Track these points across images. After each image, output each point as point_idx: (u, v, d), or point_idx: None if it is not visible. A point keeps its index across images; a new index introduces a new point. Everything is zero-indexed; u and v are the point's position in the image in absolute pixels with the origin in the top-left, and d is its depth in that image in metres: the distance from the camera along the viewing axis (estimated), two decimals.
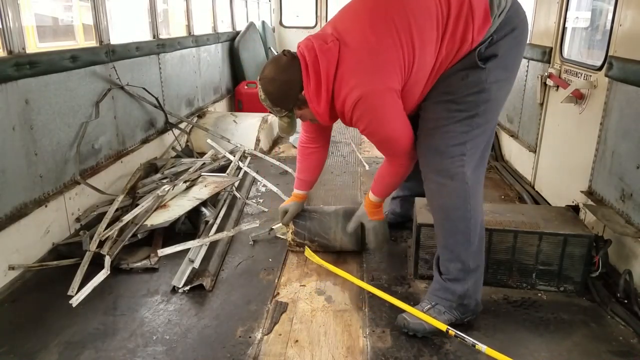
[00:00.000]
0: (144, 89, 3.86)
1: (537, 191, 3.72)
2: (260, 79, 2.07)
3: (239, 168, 4.09)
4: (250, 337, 2.08)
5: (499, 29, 1.96)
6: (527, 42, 3.31)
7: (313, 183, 2.73)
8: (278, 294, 2.42)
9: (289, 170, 4.07)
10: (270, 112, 2.38)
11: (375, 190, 2.47)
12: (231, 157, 4.17)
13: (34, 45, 4.97)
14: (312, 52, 1.96)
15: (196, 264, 2.53)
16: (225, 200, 3.39)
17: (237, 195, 3.49)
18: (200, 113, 5.24)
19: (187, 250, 2.63)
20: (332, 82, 1.97)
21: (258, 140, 4.84)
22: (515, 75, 2.10)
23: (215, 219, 3.02)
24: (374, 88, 1.92)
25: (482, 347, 1.89)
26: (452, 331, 1.96)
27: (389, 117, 2.02)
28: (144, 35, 4.28)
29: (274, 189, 3.67)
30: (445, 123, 2.02)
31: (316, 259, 2.45)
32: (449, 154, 2.02)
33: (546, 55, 3.58)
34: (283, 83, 2.04)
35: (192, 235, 2.87)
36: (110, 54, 3.42)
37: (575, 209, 2.70)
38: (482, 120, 2.01)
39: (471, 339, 1.93)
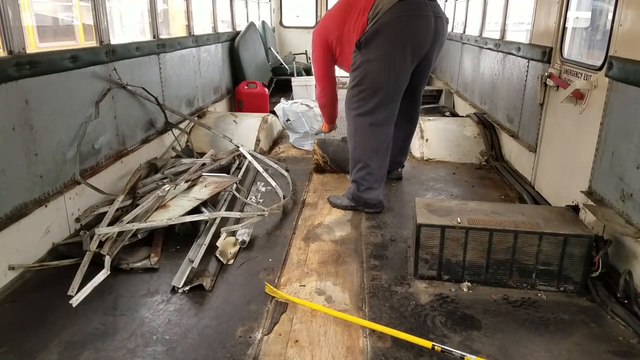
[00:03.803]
0: (143, 89, 3.86)
1: (537, 191, 3.72)
2: None
3: (240, 166, 4.10)
4: (250, 337, 2.08)
5: (370, 28, 3.18)
6: (528, 42, 3.62)
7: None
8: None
9: (285, 174, 4.09)
10: None
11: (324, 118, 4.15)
12: (247, 154, 4.28)
13: (34, 45, 4.97)
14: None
15: (195, 264, 2.53)
16: (225, 200, 3.40)
17: (237, 195, 3.49)
18: (200, 113, 5.24)
19: (188, 250, 2.63)
20: None
21: (258, 140, 4.84)
22: (387, 59, 3.19)
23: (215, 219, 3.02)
24: (315, 30, 3.63)
25: (470, 357, 1.88)
26: (438, 347, 1.95)
27: (314, 48, 3.63)
28: (142, 35, 4.28)
29: (276, 186, 3.68)
30: (348, 88, 3.44)
31: (279, 294, 2.42)
32: (349, 107, 3.42)
33: (546, 55, 3.58)
34: None
35: (192, 236, 2.88)
36: (111, 54, 3.42)
37: (575, 209, 2.70)
38: (364, 87, 3.28)
39: (459, 352, 1.92)
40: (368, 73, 3.23)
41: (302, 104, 5.19)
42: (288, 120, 5.03)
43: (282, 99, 5.43)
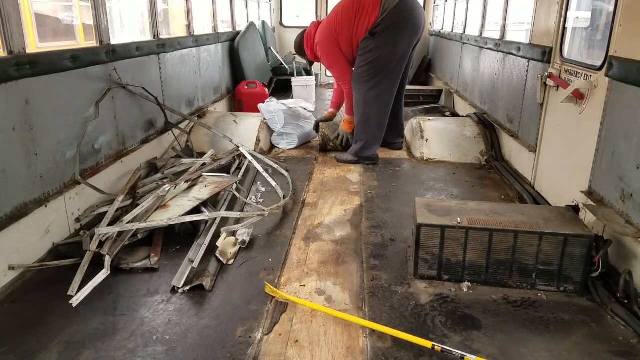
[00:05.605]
0: (143, 89, 3.86)
1: (537, 191, 3.72)
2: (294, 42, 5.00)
3: (240, 166, 4.10)
4: (250, 337, 2.08)
5: (383, 19, 4.19)
6: (528, 42, 3.82)
7: (340, 105, 5.06)
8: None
9: (285, 174, 4.09)
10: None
11: (345, 111, 4.84)
12: (247, 154, 4.29)
13: (34, 45, 4.97)
14: (309, 27, 4.73)
15: (195, 264, 2.53)
16: (225, 200, 3.40)
17: (237, 195, 3.49)
18: (200, 113, 5.24)
19: (188, 250, 2.62)
20: (313, 39, 4.63)
21: (258, 140, 4.84)
22: (395, 44, 4.27)
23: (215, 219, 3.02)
24: (324, 38, 4.51)
25: (470, 357, 1.88)
26: (438, 347, 1.95)
27: (329, 53, 4.55)
28: (142, 35, 4.28)
29: (276, 187, 3.68)
30: (358, 67, 4.42)
31: (279, 294, 2.37)
32: (359, 81, 4.41)
33: (546, 55, 3.58)
34: (297, 43, 4.93)
35: (192, 236, 2.88)
36: (111, 54, 3.42)
37: (575, 209, 2.70)
38: (375, 65, 4.30)
39: (459, 352, 1.92)
40: (380, 55, 4.25)
41: (284, 104, 5.18)
42: (264, 119, 5.05)
43: (270, 97, 5.43)
